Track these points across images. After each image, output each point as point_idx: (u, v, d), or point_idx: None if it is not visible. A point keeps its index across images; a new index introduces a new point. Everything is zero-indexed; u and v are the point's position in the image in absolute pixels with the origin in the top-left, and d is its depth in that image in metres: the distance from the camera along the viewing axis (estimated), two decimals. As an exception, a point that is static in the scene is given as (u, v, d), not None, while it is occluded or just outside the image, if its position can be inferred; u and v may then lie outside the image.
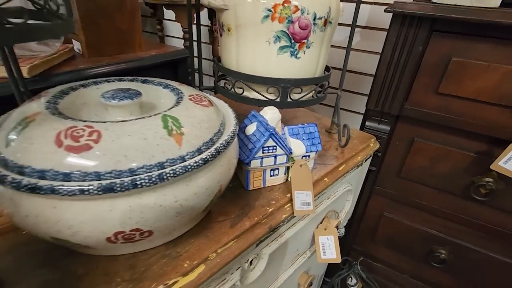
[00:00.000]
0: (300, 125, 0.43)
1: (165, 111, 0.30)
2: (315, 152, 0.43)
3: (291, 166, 0.42)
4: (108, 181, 0.23)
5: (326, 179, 0.46)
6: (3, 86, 0.45)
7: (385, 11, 0.51)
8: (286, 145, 0.40)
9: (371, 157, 0.62)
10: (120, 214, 0.24)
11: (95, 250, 0.29)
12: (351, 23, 0.50)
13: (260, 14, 0.39)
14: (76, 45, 0.66)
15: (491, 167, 0.54)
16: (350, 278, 0.74)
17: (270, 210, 0.38)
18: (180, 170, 0.25)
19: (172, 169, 0.25)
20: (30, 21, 0.37)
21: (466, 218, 0.64)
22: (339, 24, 0.50)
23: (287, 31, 0.40)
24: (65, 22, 0.26)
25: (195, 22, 0.51)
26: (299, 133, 0.42)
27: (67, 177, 0.23)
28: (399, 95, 0.59)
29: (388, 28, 0.55)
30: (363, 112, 0.67)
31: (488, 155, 0.56)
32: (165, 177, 0.24)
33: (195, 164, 0.26)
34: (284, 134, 0.42)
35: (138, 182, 0.23)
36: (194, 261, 0.30)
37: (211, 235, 0.33)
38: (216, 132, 0.31)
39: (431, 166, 0.63)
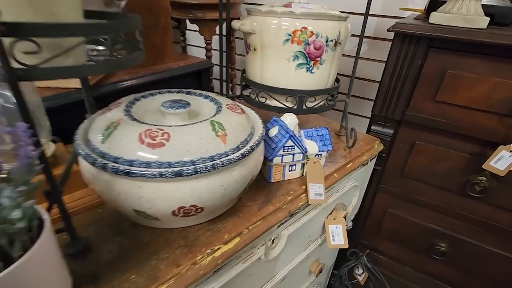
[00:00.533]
0: (313, 128, 0.52)
1: (211, 117, 0.38)
2: (326, 152, 0.51)
3: (306, 163, 0.50)
4: (177, 169, 0.32)
5: (335, 174, 0.54)
6: (69, 94, 0.55)
7: (388, 30, 0.59)
8: (302, 145, 0.48)
9: (375, 157, 0.70)
10: (184, 193, 0.33)
11: (160, 222, 0.38)
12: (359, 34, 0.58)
13: (282, 38, 0.48)
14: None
15: (484, 166, 0.60)
16: (357, 268, 0.82)
17: (289, 198, 0.47)
18: (226, 162, 0.34)
19: (221, 161, 0.34)
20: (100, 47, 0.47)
21: (463, 214, 0.71)
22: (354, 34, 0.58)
23: (304, 51, 0.48)
24: (141, 52, 0.35)
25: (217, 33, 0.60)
26: (313, 136, 0.51)
27: (148, 165, 0.32)
28: (401, 103, 0.66)
29: (392, 40, 0.63)
30: (370, 117, 0.75)
31: (481, 155, 0.63)
32: (216, 167, 0.33)
33: (236, 158, 0.35)
34: (301, 136, 0.51)
35: (198, 170, 0.32)
36: (232, 233, 0.39)
37: (243, 216, 0.42)
38: (249, 134, 0.40)
39: (430, 166, 0.70)
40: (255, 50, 0.52)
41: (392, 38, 0.63)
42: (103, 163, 0.32)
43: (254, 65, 0.54)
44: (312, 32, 0.47)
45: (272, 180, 0.50)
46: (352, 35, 0.59)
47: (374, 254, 0.90)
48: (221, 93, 0.63)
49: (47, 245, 0.25)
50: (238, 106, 0.44)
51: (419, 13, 0.75)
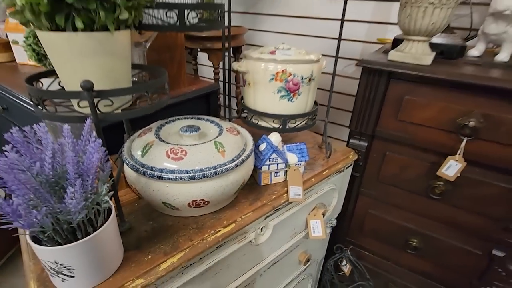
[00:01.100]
0: (294, 144, 0.67)
1: (215, 138, 0.55)
2: (304, 161, 0.67)
3: (288, 170, 0.66)
4: (191, 174, 0.48)
5: (313, 179, 0.70)
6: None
7: (356, 65, 0.75)
8: (284, 157, 0.64)
9: (351, 166, 0.85)
10: (195, 190, 0.49)
11: (179, 212, 0.54)
12: (349, 56, 0.73)
13: (268, 77, 0.64)
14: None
15: (437, 173, 0.74)
16: (341, 261, 0.95)
17: (274, 197, 0.62)
18: (224, 170, 0.50)
19: (220, 169, 0.50)
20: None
21: (429, 213, 0.84)
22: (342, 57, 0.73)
23: (285, 87, 0.65)
24: (168, 95, 0.52)
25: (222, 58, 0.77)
26: (293, 149, 0.66)
27: (172, 172, 0.48)
28: (371, 121, 0.81)
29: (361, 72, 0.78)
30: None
31: (437, 164, 0.76)
32: (217, 173, 0.49)
33: (231, 167, 0.51)
34: (284, 150, 0.66)
35: (205, 175, 0.48)
36: (229, 221, 0.55)
37: (238, 209, 0.58)
38: (242, 149, 0.56)
39: (399, 173, 0.84)
40: (249, 84, 0.69)
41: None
42: (143, 170, 0.49)
43: (249, 95, 0.71)
44: (290, 73, 0.63)
45: (262, 184, 0.66)
46: (341, 57, 0.74)
47: (358, 250, 1.03)
48: (224, 116, 0.79)
49: (113, 222, 0.42)
50: (235, 129, 0.61)
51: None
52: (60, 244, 0.36)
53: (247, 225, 0.56)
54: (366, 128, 0.83)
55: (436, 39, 0.77)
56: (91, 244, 0.38)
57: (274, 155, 0.62)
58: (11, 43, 1.12)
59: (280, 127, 0.69)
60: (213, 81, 1.29)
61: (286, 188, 0.65)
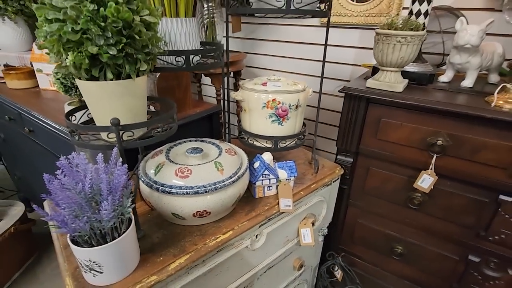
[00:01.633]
0: (284, 161, 0.78)
1: (215, 158, 0.66)
2: (293, 177, 0.77)
3: (279, 185, 0.76)
4: (195, 190, 0.58)
5: (301, 192, 0.80)
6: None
7: (339, 91, 0.86)
8: (275, 173, 0.74)
9: (338, 179, 0.94)
10: (199, 203, 0.59)
11: (186, 221, 0.64)
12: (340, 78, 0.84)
13: (260, 105, 0.75)
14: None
15: (414, 185, 0.84)
16: (333, 267, 1.03)
17: (267, 208, 0.72)
18: (223, 186, 0.60)
19: (219, 185, 0.60)
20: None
21: (409, 222, 0.93)
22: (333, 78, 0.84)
23: (275, 113, 0.76)
24: (176, 124, 0.63)
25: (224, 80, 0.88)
26: (283, 166, 0.77)
27: (180, 188, 0.59)
28: (355, 139, 0.91)
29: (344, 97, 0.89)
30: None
31: (414, 177, 0.86)
32: (217, 188, 0.60)
33: (228, 183, 0.61)
34: (275, 167, 0.77)
35: (207, 190, 0.59)
36: (228, 228, 0.65)
37: (235, 218, 0.68)
38: (238, 168, 0.67)
39: (382, 186, 0.94)
40: (245, 110, 0.80)
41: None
42: (156, 187, 0.59)
43: (245, 119, 0.82)
44: (279, 101, 0.74)
45: (256, 196, 0.76)
46: (331, 78, 0.85)
47: (350, 257, 1.12)
48: (223, 137, 0.90)
49: (133, 229, 0.52)
50: (233, 150, 0.71)
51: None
52: (93, 246, 0.47)
53: (243, 232, 0.66)
54: (350, 146, 0.93)
55: (409, 68, 0.88)
56: (117, 246, 0.48)
57: (266, 172, 0.73)
58: (35, 71, 1.26)
59: (272, 147, 0.80)
60: (216, 102, 1.41)
61: (277, 200, 0.75)
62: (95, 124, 0.58)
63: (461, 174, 0.78)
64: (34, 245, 1.47)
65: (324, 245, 1.10)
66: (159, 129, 0.59)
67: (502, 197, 0.75)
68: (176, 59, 0.62)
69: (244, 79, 0.86)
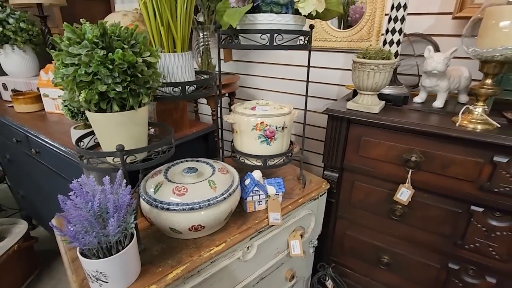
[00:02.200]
0: (273, 178, 0.85)
1: (209, 177, 0.73)
2: (281, 192, 0.84)
3: (268, 200, 0.83)
4: (191, 206, 0.65)
5: (289, 206, 0.86)
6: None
7: (322, 112, 0.94)
8: (265, 189, 0.81)
9: (325, 193, 1.01)
10: (195, 218, 0.66)
11: (182, 235, 0.70)
12: (328, 97, 0.92)
13: (250, 127, 0.83)
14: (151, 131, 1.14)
15: (394, 198, 0.91)
16: (325, 278, 1.09)
17: (257, 221, 0.79)
18: (215, 202, 0.67)
19: (213, 202, 0.67)
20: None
21: (393, 232, 0.99)
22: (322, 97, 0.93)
23: (263, 134, 0.83)
24: (174, 148, 0.71)
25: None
26: (272, 183, 0.84)
27: (177, 205, 0.66)
28: (339, 156, 0.99)
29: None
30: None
31: (394, 190, 0.93)
32: (210, 204, 0.66)
33: (221, 199, 0.68)
34: (264, 183, 0.84)
35: (201, 206, 0.66)
36: (221, 241, 0.71)
37: (228, 231, 0.74)
38: (230, 185, 0.74)
39: (365, 199, 1.00)
40: (237, 132, 0.88)
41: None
42: (155, 204, 0.66)
43: (236, 140, 0.90)
44: (267, 124, 0.82)
45: (247, 211, 0.82)
46: (320, 97, 0.93)
47: (341, 268, 1.17)
48: (217, 156, 0.98)
49: (134, 243, 0.59)
50: (225, 168, 0.79)
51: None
52: (100, 258, 0.53)
53: (235, 244, 0.72)
54: (335, 162, 1.00)
55: (385, 90, 0.97)
56: (121, 258, 0.54)
57: (256, 188, 0.80)
58: (42, 96, 1.35)
59: (262, 165, 0.87)
60: (211, 121, 1.50)
61: (267, 214, 0.81)
62: (101, 149, 0.66)
63: (435, 187, 0.85)
64: (35, 262, 1.51)
65: (316, 256, 1.15)
66: (158, 153, 0.66)
67: (473, 207, 0.82)
68: (174, 89, 0.70)
69: (238, 99, 0.94)
